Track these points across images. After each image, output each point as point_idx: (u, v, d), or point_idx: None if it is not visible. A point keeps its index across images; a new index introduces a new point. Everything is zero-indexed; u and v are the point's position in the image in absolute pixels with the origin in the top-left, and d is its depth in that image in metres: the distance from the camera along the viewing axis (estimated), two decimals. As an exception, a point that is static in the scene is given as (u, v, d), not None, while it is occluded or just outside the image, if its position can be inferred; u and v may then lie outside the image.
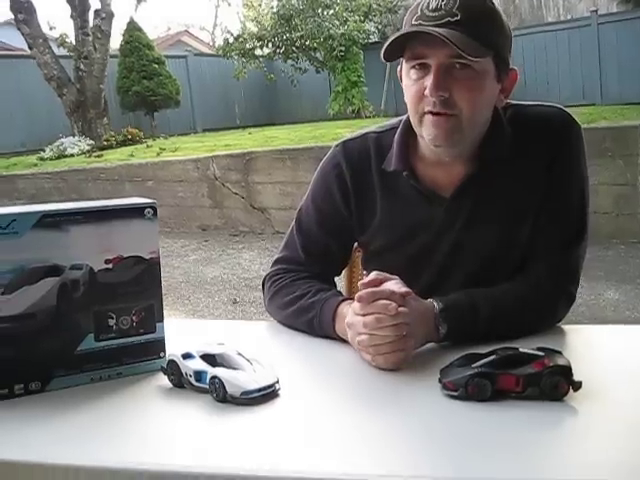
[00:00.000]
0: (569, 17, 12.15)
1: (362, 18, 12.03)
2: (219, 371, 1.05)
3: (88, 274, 1.13)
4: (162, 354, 1.20)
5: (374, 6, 12.40)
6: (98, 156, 9.29)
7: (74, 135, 10.75)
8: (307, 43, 12.05)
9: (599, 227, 5.91)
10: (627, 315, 4.18)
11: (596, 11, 10.99)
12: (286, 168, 7.31)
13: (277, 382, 1.06)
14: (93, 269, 1.13)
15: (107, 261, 1.14)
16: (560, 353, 1.04)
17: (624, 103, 8.90)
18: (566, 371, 0.99)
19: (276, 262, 1.52)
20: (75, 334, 1.14)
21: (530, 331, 1.25)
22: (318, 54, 12.32)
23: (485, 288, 1.30)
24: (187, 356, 1.10)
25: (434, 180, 1.37)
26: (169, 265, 6.26)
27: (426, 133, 1.29)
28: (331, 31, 11.46)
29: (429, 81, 1.24)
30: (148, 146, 9.62)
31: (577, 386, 0.99)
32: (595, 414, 0.96)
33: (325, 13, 12.06)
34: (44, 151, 10.02)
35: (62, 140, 10.24)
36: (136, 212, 1.16)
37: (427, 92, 1.24)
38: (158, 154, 8.66)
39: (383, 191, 1.40)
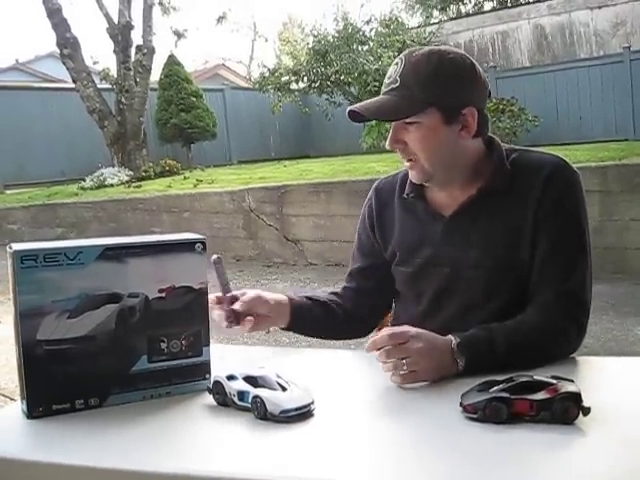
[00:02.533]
0: (602, 53, 12.21)
1: (396, 54, 12.19)
2: (260, 391, 1.16)
3: (144, 302, 1.25)
4: (207, 375, 1.31)
5: (408, 42, 12.60)
6: (137, 187, 9.50)
7: (114, 166, 11.00)
8: (342, 78, 12.25)
9: (629, 263, 5.94)
10: (656, 351, 4.20)
11: (629, 47, 11.05)
12: (320, 201, 7.41)
13: (312, 403, 1.17)
14: (148, 297, 1.26)
15: (161, 290, 1.27)
16: (572, 381, 1.13)
17: (657, 139, 8.91)
18: (576, 397, 1.08)
19: None
20: (130, 355, 1.26)
21: (544, 360, 1.34)
22: (352, 89, 12.51)
23: (499, 323, 1.40)
24: (231, 377, 1.22)
25: (439, 202, 1.59)
26: (204, 294, 6.33)
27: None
28: (365, 66, 11.66)
29: None
30: (185, 177, 9.78)
31: (586, 411, 1.08)
32: (602, 437, 1.04)
33: (360, 49, 12.29)
34: (84, 181, 10.25)
35: (102, 170, 10.47)
36: (188, 247, 1.29)
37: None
38: (195, 185, 8.82)
39: (402, 213, 1.65)
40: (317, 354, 1.53)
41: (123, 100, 11.36)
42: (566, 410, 1.07)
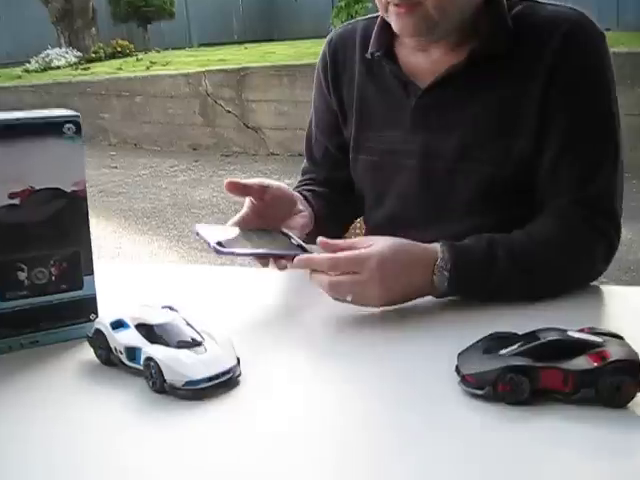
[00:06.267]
0: None
1: None
2: (156, 351, 0.77)
3: (-14, 212, 0.84)
4: (93, 316, 0.92)
5: None
6: (85, 69, 9.07)
7: (61, 46, 10.44)
8: (309, -46, 11.46)
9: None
10: (640, 256, 3.93)
11: None
12: (282, 86, 7.02)
13: (237, 365, 0.79)
14: (-7, 205, 0.84)
15: (12, 195, 0.85)
16: (621, 338, 0.77)
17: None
18: (634, 368, 0.71)
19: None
20: (-27, 290, 0.86)
21: (560, 287, 1.02)
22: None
23: (500, 233, 1.04)
24: (118, 325, 0.83)
25: (415, 67, 1.21)
26: (156, 186, 6.07)
27: (393, 25, 1.14)
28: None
29: None
30: (138, 59, 9.41)
31: (647, 388, 0.71)
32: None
33: None
34: (29, 63, 9.70)
35: (48, 51, 9.98)
36: (52, 129, 0.86)
37: None
38: (148, 68, 8.47)
39: (363, 78, 1.27)
40: (258, 273, 1.15)
41: (69, -28, 10.55)
42: (618, 387, 0.71)
